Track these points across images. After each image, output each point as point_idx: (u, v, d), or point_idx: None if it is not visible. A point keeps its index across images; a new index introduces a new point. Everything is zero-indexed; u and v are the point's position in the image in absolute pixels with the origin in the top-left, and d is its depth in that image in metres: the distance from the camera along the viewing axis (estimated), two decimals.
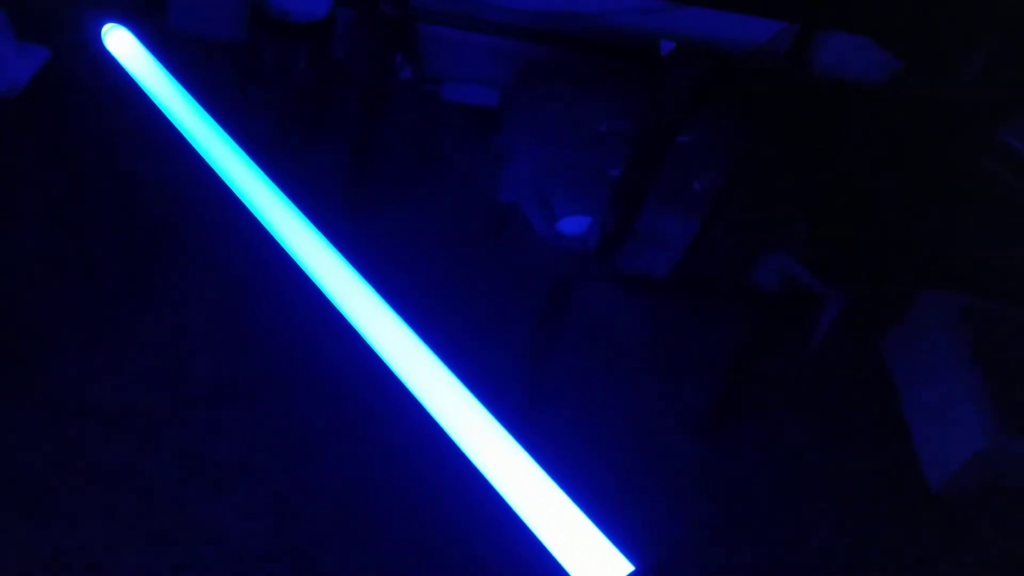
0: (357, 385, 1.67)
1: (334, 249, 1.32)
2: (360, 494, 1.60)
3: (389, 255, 1.98)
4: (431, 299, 1.90)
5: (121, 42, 1.62)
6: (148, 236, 1.92)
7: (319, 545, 1.52)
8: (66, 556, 1.42)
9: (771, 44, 2.09)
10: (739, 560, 1.67)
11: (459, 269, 2.03)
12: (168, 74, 1.56)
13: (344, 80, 2.22)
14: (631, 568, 1.01)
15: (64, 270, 1.81)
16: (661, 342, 2.00)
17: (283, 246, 1.36)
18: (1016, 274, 2.04)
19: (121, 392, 1.64)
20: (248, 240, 1.53)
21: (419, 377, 1.18)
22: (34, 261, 1.81)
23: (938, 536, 1.79)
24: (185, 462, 1.57)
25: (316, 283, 1.30)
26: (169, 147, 1.62)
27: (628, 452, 1.78)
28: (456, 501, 1.57)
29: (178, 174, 1.85)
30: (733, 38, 2.13)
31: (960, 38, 1.88)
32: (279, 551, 1.50)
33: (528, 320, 1.74)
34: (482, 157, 2.07)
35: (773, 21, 2.07)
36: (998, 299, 2.01)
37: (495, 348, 1.83)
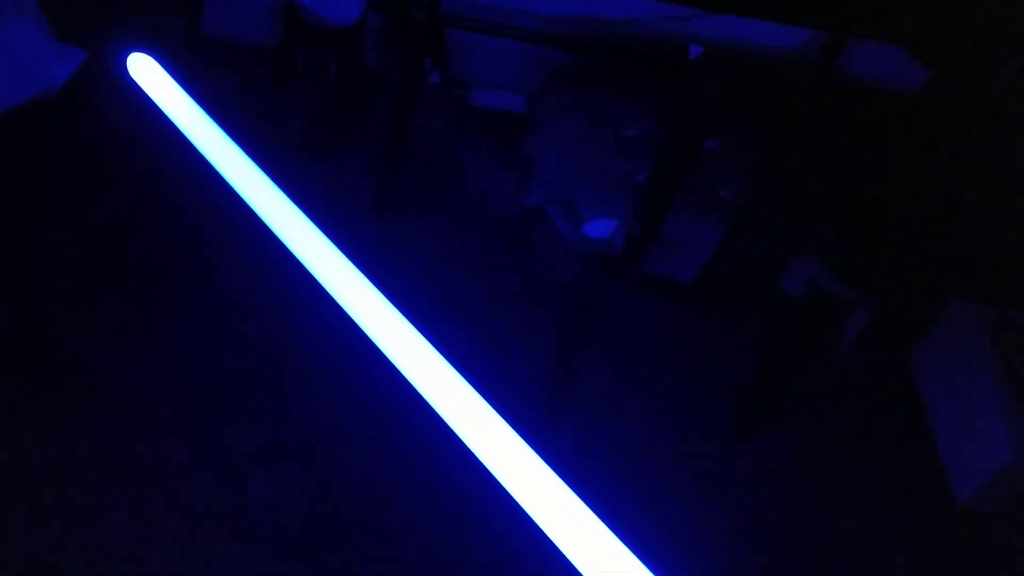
0: (378, 387, 1.67)
1: (350, 261, 1.31)
2: (384, 492, 1.61)
3: (413, 259, 2.00)
4: (453, 304, 1.91)
5: (144, 69, 1.58)
6: (182, 237, 1.94)
7: (346, 543, 1.53)
8: (95, 556, 1.44)
9: (800, 50, 2.08)
10: (762, 570, 1.66)
11: (482, 274, 2.03)
12: (192, 99, 1.55)
13: (374, 85, 2.24)
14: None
15: (95, 268, 1.84)
16: (686, 348, 1.99)
17: (303, 263, 1.35)
18: None
19: (149, 388, 1.66)
20: (276, 243, 1.55)
21: (436, 385, 1.17)
22: (66, 260, 1.84)
23: (966, 550, 1.77)
24: (211, 457, 1.59)
25: (337, 301, 1.30)
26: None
27: (651, 459, 1.78)
28: (478, 507, 1.57)
29: (212, 176, 1.88)
30: (762, 44, 2.12)
31: (993, 45, 1.86)
32: (307, 548, 1.51)
33: (550, 326, 1.74)
34: (507, 162, 2.08)
35: (802, 28, 2.06)
36: None
37: (516, 354, 1.84)
